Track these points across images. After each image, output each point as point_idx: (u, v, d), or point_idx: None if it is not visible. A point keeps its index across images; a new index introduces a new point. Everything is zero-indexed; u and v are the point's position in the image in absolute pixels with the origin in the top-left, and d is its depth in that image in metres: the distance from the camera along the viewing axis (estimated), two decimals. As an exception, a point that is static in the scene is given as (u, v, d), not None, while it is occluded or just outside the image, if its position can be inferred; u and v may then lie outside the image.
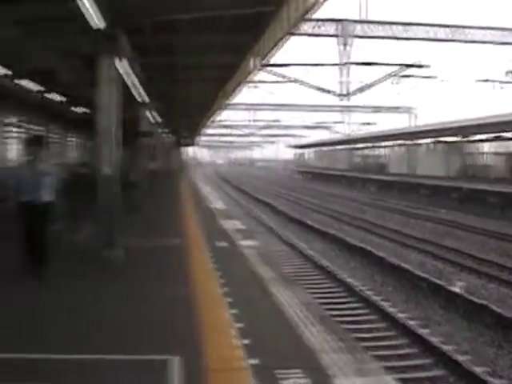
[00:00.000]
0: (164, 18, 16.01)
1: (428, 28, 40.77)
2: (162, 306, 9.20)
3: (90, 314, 8.66)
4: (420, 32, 40.71)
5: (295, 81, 45.21)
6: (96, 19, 12.31)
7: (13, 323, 8.10)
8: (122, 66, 17.59)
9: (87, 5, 11.44)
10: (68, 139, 45.88)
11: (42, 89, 24.71)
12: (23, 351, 6.84)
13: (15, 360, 6.65)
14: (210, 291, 10.11)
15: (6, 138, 30.32)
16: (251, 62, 23.27)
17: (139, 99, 28.59)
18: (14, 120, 32.20)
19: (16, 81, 22.29)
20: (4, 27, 14.57)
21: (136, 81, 23.56)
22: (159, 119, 41.37)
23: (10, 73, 20.45)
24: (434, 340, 11.53)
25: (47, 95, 26.98)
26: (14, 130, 31.88)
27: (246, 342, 7.33)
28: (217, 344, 7.28)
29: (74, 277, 11.15)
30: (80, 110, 35.13)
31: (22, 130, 33.47)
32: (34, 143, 11.30)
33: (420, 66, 45.41)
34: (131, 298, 9.70)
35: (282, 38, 17.56)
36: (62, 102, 29.88)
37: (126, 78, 20.77)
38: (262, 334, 7.77)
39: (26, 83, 23.01)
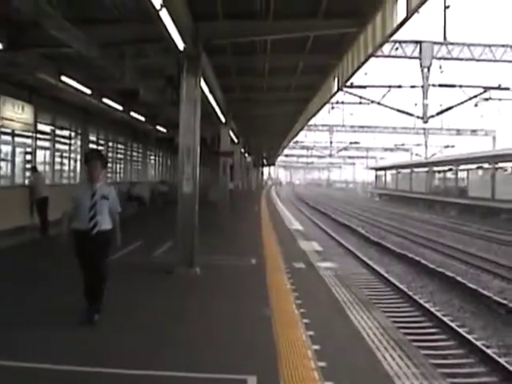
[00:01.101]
0: (248, 40, 16.22)
1: (508, 49, 40.05)
2: (242, 325, 9.29)
3: (167, 333, 8.79)
4: (500, 53, 40.07)
5: (376, 103, 44.95)
6: (180, 40, 12.56)
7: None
8: (204, 86, 17.86)
9: (172, 26, 11.68)
10: (148, 157, 46.57)
11: (122, 108, 25.25)
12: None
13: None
14: (286, 312, 10.11)
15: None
16: (333, 83, 23.31)
17: (219, 119, 28.91)
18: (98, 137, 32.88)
19: (101, 99, 22.80)
20: (89, 49, 14.96)
21: (216, 101, 23.84)
22: (238, 139, 41.72)
23: (93, 92, 20.93)
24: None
25: (129, 114, 27.51)
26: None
27: (321, 364, 7.31)
28: (293, 365, 7.28)
29: (152, 296, 11.35)
30: (160, 128, 35.72)
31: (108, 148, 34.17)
32: (92, 159, 9.27)
33: (501, 89, 44.75)
34: (210, 316, 9.82)
35: (365, 60, 17.49)
36: (142, 120, 30.46)
37: (206, 98, 21.05)
38: (338, 357, 7.73)
39: (109, 102, 23.52)
